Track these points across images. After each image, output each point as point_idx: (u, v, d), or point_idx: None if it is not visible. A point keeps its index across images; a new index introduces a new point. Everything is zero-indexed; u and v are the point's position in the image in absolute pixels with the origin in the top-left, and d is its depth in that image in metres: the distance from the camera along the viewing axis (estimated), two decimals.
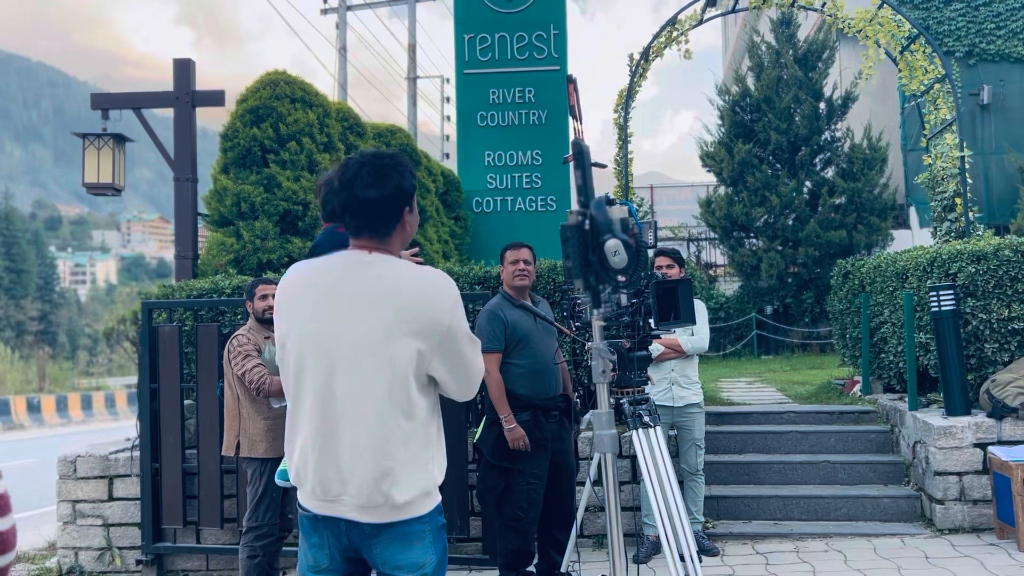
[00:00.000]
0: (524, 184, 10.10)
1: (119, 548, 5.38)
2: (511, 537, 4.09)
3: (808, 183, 14.51)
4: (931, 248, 6.31)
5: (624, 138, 8.71)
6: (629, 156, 8.75)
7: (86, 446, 5.74)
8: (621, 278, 2.34)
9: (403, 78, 22.65)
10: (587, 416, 2.82)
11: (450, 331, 2.05)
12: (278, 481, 3.49)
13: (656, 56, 8.79)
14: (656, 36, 8.72)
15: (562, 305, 3.47)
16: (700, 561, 3.15)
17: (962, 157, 7.64)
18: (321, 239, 2.94)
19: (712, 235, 16.39)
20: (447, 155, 25.72)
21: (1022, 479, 4.68)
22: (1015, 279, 5.44)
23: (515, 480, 4.06)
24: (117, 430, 14.88)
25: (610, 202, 2.37)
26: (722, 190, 15.15)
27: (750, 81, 15.18)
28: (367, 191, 2.04)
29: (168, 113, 7.10)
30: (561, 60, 10.14)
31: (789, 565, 4.70)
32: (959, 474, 5.11)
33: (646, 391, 3.24)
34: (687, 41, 8.74)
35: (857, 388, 7.18)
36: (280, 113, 7.25)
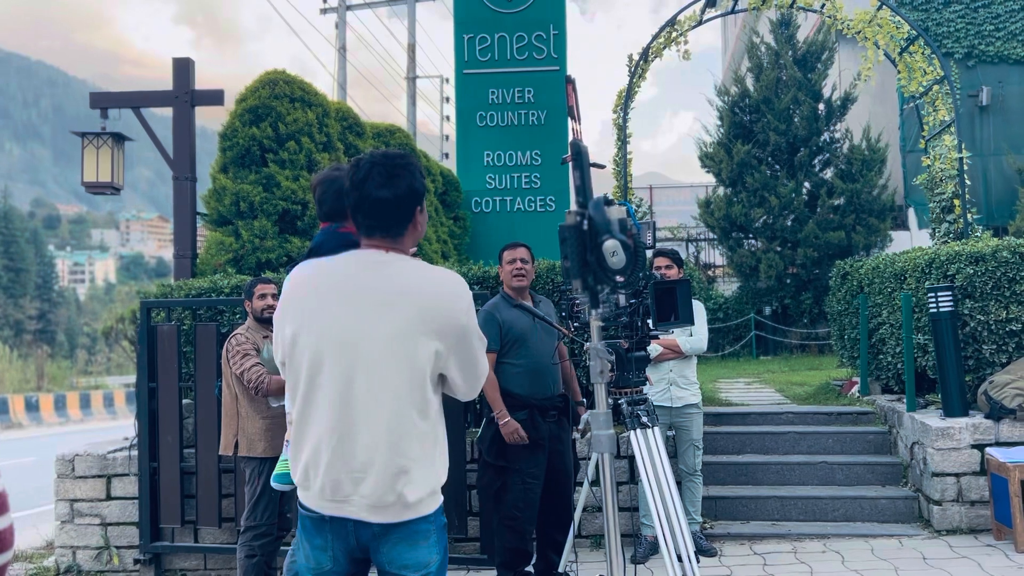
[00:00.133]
0: (523, 184, 10.11)
1: (117, 547, 5.38)
2: (508, 536, 4.10)
3: (807, 184, 14.52)
4: (929, 249, 6.31)
5: (623, 138, 8.71)
6: (628, 156, 8.76)
7: (84, 445, 5.73)
8: (619, 278, 2.34)
9: (402, 78, 22.66)
10: (585, 416, 2.82)
11: (465, 331, 2.08)
12: (275, 485, 3.48)
13: (655, 57, 8.79)
14: (655, 37, 8.72)
15: (560, 305, 3.47)
16: (698, 561, 3.15)
17: (961, 158, 7.65)
18: (323, 239, 2.89)
19: (711, 236, 16.40)
20: (446, 155, 25.73)
21: (1019, 480, 4.69)
22: (1013, 280, 5.45)
23: (511, 479, 4.07)
24: (115, 429, 14.88)
25: (608, 202, 2.37)
26: (721, 191, 15.15)
27: (749, 82, 15.19)
28: (379, 191, 2.05)
29: (167, 112, 7.10)
30: (561, 60, 10.14)
31: (787, 566, 4.71)
32: (957, 475, 5.12)
33: (644, 391, 3.24)
34: (686, 42, 8.75)
35: (855, 389, 7.19)
36: (279, 113, 7.25)
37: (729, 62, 25.71)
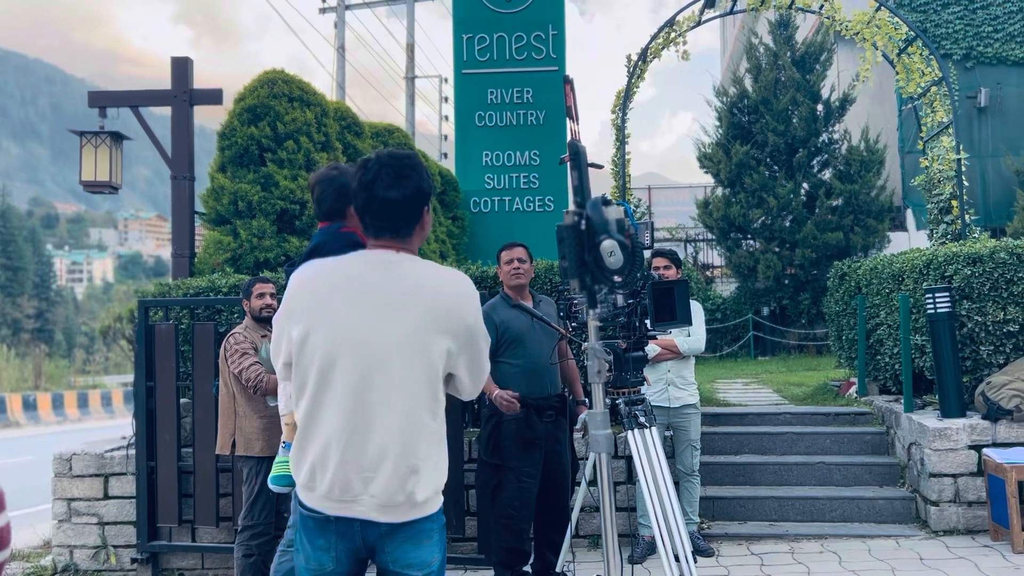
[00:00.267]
0: (522, 184, 10.11)
1: (114, 546, 5.38)
2: (504, 535, 4.11)
3: (805, 185, 14.54)
4: (927, 250, 6.32)
5: (621, 139, 8.72)
6: (626, 157, 8.76)
7: (82, 444, 5.73)
8: (617, 278, 2.35)
9: (401, 78, 22.65)
10: (582, 416, 2.82)
11: (474, 330, 2.11)
12: (272, 487, 3.46)
13: (654, 57, 8.80)
14: (654, 37, 8.73)
15: (558, 305, 3.47)
16: (695, 562, 3.15)
17: (959, 160, 7.66)
18: (326, 239, 2.85)
19: (709, 236, 16.41)
20: (445, 155, 25.72)
21: (1016, 481, 4.70)
22: (1011, 281, 5.46)
23: (506, 477, 4.08)
24: (113, 428, 14.86)
25: (606, 202, 2.37)
26: (719, 191, 15.16)
27: (748, 83, 15.20)
28: (388, 192, 2.06)
29: (166, 111, 7.10)
30: (559, 61, 10.15)
31: (784, 566, 4.71)
32: (954, 476, 5.12)
33: (642, 392, 3.24)
34: (685, 42, 8.76)
35: (853, 390, 7.20)
36: (278, 112, 7.24)
37: (728, 63, 25.74)
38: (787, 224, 14.35)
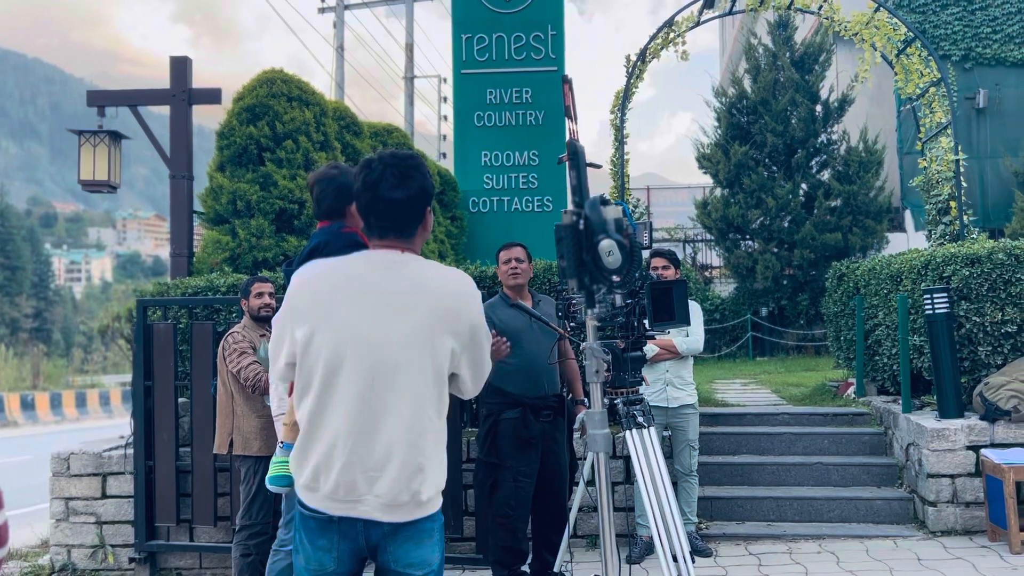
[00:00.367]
0: (521, 184, 10.11)
1: (112, 546, 5.37)
2: (501, 534, 4.11)
3: (804, 185, 14.54)
4: (926, 251, 6.33)
5: (620, 139, 8.72)
6: (625, 157, 8.77)
7: (80, 443, 5.72)
8: (615, 278, 2.35)
9: (400, 77, 22.65)
10: (580, 416, 2.82)
11: (477, 329, 2.12)
12: (269, 487, 3.45)
13: (653, 57, 8.80)
14: (653, 37, 8.73)
15: (557, 305, 3.47)
16: (693, 562, 3.15)
17: (957, 161, 7.67)
18: (327, 239, 2.84)
19: (708, 237, 16.41)
20: (444, 155, 25.73)
21: (1014, 482, 4.70)
22: (1009, 282, 5.46)
23: (502, 476, 4.08)
24: (111, 428, 14.84)
25: (605, 202, 2.37)
26: (718, 192, 15.17)
27: (747, 83, 15.21)
28: (393, 192, 2.06)
29: (165, 111, 7.09)
30: (559, 61, 10.15)
31: (782, 566, 4.71)
32: (952, 476, 5.13)
33: (640, 392, 3.24)
34: (684, 43, 8.76)
35: (851, 390, 7.20)
36: (277, 111, 7.24)
37: (727, 63, 25.75)
38: (786, 225, 14.35)
